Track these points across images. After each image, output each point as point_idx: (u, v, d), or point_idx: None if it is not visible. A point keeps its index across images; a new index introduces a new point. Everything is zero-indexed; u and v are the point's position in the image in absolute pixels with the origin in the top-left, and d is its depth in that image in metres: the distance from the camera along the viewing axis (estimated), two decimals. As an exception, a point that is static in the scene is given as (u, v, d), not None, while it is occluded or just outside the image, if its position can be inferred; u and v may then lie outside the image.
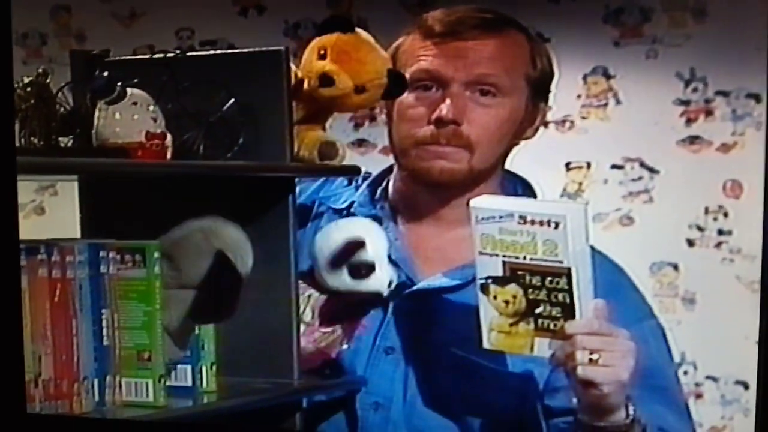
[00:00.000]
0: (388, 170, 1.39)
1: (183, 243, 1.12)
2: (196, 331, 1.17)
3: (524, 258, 1.14)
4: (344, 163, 1.26)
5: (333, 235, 1.27)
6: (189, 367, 1.16)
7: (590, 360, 1.12)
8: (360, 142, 3.02)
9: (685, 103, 2.89)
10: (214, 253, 1.11)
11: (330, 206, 1.37)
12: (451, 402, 1.26)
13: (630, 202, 2.92)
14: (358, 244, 1.25)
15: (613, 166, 2.94)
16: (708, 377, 2.85)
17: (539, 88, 1.33)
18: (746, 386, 2.80)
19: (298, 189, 1.35)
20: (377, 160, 3.05)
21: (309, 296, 1.26)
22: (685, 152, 2.89)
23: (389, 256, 1.28)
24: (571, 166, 2.96)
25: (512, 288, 1.16)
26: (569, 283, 1.13)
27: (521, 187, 1.38)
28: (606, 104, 2.94)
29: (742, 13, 2.75)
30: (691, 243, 2.89)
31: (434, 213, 1.34)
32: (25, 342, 1.02)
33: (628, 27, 2.90)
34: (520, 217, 1.14)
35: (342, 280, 1.25)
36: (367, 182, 1.38)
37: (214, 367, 1.18)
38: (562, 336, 1.13)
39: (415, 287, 1.31)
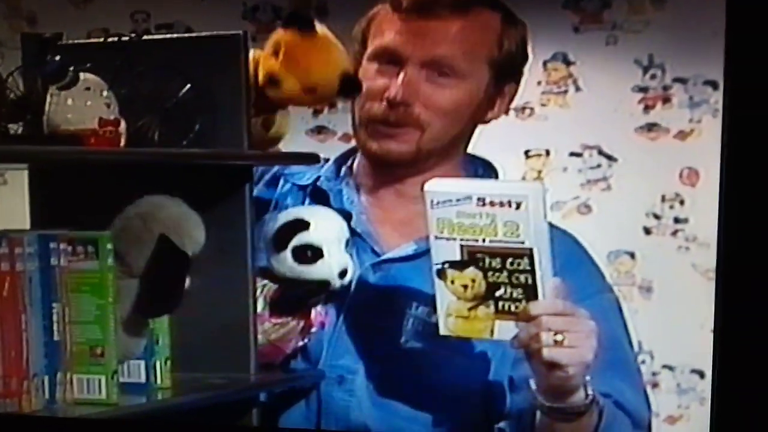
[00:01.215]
0: (355, 148, 1.38)
1: (124, 233, 1.10)
2: (150, 325, 1.14)
3: (483, 241, 1.13)
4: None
5: (278, 216, 1.26)
6: (142, 363, 1.14)
7: (555, 341, 1.11)
8: (319, 129, 3.00)
9: (644, 90, 2.91)
10: (155, 238, 1.09)
11: (294, 183, 1.36)
12: (417, 374, 1.26)
13: (588, 191, 2.94)
14: (300, 224, 1.23)
15: (572, 154, 2.95)
16: (664, 366, 2.90)
17: (504, 71, 1.31)
18: (702, 375, 2.85)
19: (260, 168, 1.32)
20: (337, 147, 3.00)
21: (264, 286, 1.24)
22: (643, 140, 2.92)
23: (354, 231, 1.27)
24: (530, 153, 2.97)
25: (471, 272, 1.14)
26: (531, 263, 1.12)
27: (483, 168, 1.37)
28: (566, 91, 2.95)
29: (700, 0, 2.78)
30: (647, 231, 2.92)
31: (394, 189, 1.34)
32: (-28, 338, 0.99)
33: (588, 13, 2.91)
34: (479, 199, 1.13)
35: (287, 265, 1.22)
36: (332, 158, 1.38)
37: (168, 363, 1.16)
38: (525, 317, 1.13)
39: (380, 257, 1.30)
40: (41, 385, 1.05)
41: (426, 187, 1.16)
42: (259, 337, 1.22)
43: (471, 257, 1.14)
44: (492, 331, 1.15)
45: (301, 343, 1.25)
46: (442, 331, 1.17)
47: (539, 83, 2.93)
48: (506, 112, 1.35)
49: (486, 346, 1.24)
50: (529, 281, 1.12)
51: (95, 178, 1.20)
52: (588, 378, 1.15)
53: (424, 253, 1.26)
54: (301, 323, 1.24)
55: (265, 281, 1.23)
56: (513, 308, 1.14)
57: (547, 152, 2.97)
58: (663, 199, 2.90)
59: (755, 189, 0.86)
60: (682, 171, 2.88)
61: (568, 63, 2.94)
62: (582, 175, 2.94)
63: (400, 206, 1.33)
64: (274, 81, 1.20)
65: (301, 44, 1.20)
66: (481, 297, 1.15)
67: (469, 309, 1.15)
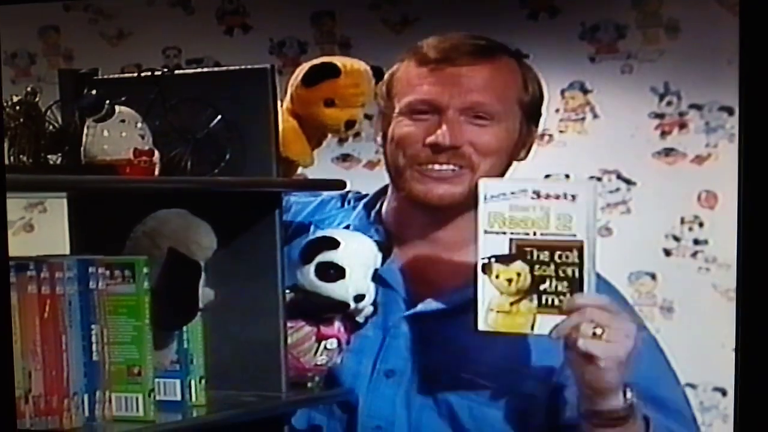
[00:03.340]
0: (382, 191, 1.40)
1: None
2: (174, 337, 1.16)
3: (534, 234, 1.15)
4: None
5: (318, 232, 1.29)
6: (178, 381, 1.16)
7: (594, 334, 1.13)
8: (344, 157, 3.04)
9: (660, 116, 2.93)
10: (163, 254, 1.11)
11: (325, 229, 1.36)
12: (453, 422, 1.27)
13: (608, 214, 2.96)
14: (330, 241, 1.25)
15: (591, 178, 2.97)
16: (687, 384, 2.88)
17: (531, 112, 1.35)
18: (724, 393, 2.84)
19: (293, 211, 1.35)
20: (362, 174, 3.07)
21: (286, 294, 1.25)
22: (660, 164, 2.93)
23: (385, 282, 1.28)
24: (550, 178, 3.00)
25: (517, 266, 1.16)
26: (580, 256, 1.14)
27: None
28: (583, 118, 2.98)
29: (713, 29, 2.81)
30: (667, 253, 2.93)
31: (430, 235, 1.35)
32: (15, 358, 1.02)
33: (604, 43, 2.95)
34: (534, 191, 1.15)
35: (309, 278, 1.24)
36: (361, 204, 1.40)
37: (203, 381, 1.18)
38: (569, 309, 1.14)
39: (412, 311, 1.32)
40: (81, 403, 1.08)
41: (481, 182, 1.19)
42: None
43: (519, 251, 1.16)
44: (533, 326, 1.16)
45: (320, 361, 1.26)
46: (482, 327, 1.18)
47: (557, 111, 2.96)
48: (528, 153, 1.38)
49: (529, 382, 1.24)
50: (576, 274, 1.14)
51: (130, 205, 1.23)
52: (627, 384, 1.16)
53: (454, 308, 1.28)
54: (313, 335, 1.25)
55: (286, 292, 1.25)
56: (556, 302, 1.15)
57: (567, 177, 2.99)
58: (682, 221, 2.91)
59: (773, 210, 0.87)
60: (700, 194, 2.89)
61: (585, 91, 2.98)
62: (601, 199, 2.96)
63: (430, 255, 1.34)
64: (352, 124, 1.27)
65: (347, 85, 1.26)
66: (525, 291, 1.16)
67: (512, 303, 1.16)
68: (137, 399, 1.10)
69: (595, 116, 2.98)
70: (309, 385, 1.26)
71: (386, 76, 1.34)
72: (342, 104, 1.25)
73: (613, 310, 1.15)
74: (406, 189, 1.33)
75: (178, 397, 1.16)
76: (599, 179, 2.97)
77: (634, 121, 2.93)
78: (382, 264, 1.28)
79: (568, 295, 1.15)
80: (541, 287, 1.15)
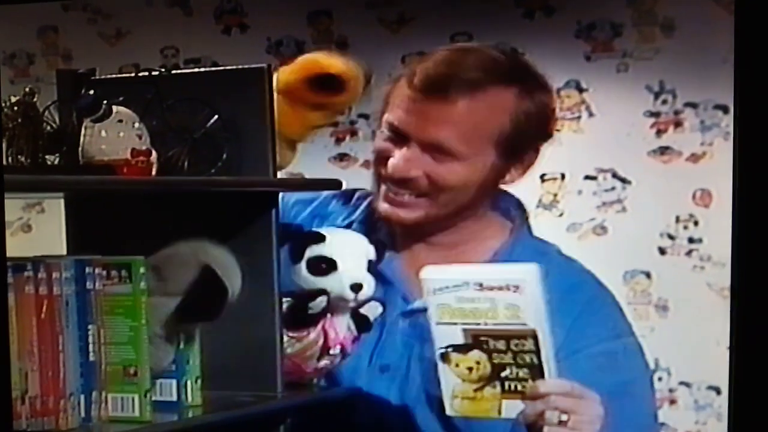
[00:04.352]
0: None
1: (171, 257, 1.14)
2: (181, 342, 1.17)
3: (485, 324, 1.14)
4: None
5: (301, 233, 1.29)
6: (174, 382, 1.17)
7: (560, 421, 1.12)
8: (341, 157, 3.04)
9: (655, 114, 2.94)
10: (200, 267, 1.13)
11: (331, 225, 1.37)
12: (448, 416, 1.26)
13: (603, 212, 2.96)
14: (315, 235, 1.25)
15: (587, 177, 2.99)
16: (681, 383, 2.90)
17: (515, 146, 1.30)
18: (719, 391, 2.85)
19: (295, 209, 1.35)
20: (359, 173, 3.07)
21: (287, 302, 1.25)
22: (655, 162, 2.94)
23: (387, 279, 1.28)
24: (545, 177, 3.01)
25: (475, 354, 1.15)
26: (536, 343, 1.12)
27: (513, 208, 1.38)
28: (579, 117, 2.99)
29: (708, 27, 2.82)
30: (662, 251, 2.94)
31: (423, 239, 1.35)
32: (12, 359, 1.02)
33: (600, 42, 2.95)
34: (477, 284, 1.13)
35: (302, 276, 1.24)
36: (366, 201, 1.39)
37: (198, 381, 1.19)
38: (533, 395, 1.13)
39: (410, 306, 1.32)
40: (77, 403, 1.08)
41: (422, 275, 1.17)
42: None
43: (474, 340, 1.14)
44: (499, 410, 1.15)
45: (322, 364, 1.26)
46: (449, 412, 1.17)
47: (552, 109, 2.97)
48: (520, 176, 1.34)
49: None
50: (535, 361, 1.13)
51: (128, 205, 1.24)
52: None
53: None
54: (320, 341, 1.25)
55: (288, 298, 1.25)
56: (520, 387, 1.14)
57: (563, 176, 3.00)
58: (677, 219, 2.92)
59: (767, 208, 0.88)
60: (695, 192, 2.90)
61: (580, 90, 2.98)
62: (597, 198, 2.97)
63: (430, 254, 1.34)
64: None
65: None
66: (487, 378, 1.15)
67: (475, 390, 1.15)
68: (133, 399, 1.10)
69: (591, 115, 2.98)
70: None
71: (390, 81, 1.33)
72: (330, 113, 1.26)
73: (576, 395, 1.14)
74: (375, 206, 1.34)
75: (175, 398, 1.16)
76: (594, 178, 2.97)
77: (629, 120, 2.94)
78: (379, 257, 1.28)
79: (529, 380, 1.14)
80: (502, 374, 1.15)
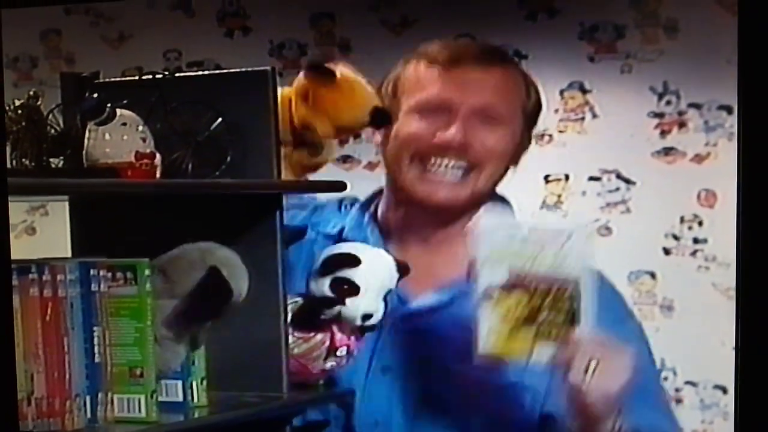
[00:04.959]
0: (377, 194, 1.42)
1: (177, 259, 1.14)
2: (186, 343, 1.17)
3: (531, 267, 1.17)
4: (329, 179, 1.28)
5: (340, 246, 1.30)
6: (180, 383, 1.17)
7: (587, 367, 1.14)
8: (345, 159, 3.05)
9: (659, 115, 2.94)
10: (207, 268, 1.13)
11: (321, 231, 1.39)
12: (450, 416, 1.28)
13: (608, 213, 2.96)
14: (352, 260, 1.26)
15: (591, 178, 2.99)
16: (687, 382, 2.90)
17: (531, 119, 1.38)
18: (725, 390, 2.85)
19: (290, 214, 1.36)
20: (362, 175, 3.08)
21: (292, 303, 1.26)
22: (660, 163, 2.94)
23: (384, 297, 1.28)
24: (549, 178, 3.01)
25: (516, 295, 1.18)
26: (576, 292, 1.16)
27: (500, 207, 1.39)
28: (583, 118, 2.99)
29: (712, 28, 2.82)
30: (667, 252, 2.94)
31: (424, 234, 1.36)
32: (18, 361, 1.02)
33: (603, 43, 2.95)
34: (530, 229, 1.17)
35: (323, 290, 1.25)
36: (355, 207, 1.41)
37: (204, 382, 1.19)
38: (565, 341, 1.16)
39: (407, 307, 1.33)
40: (83, 404, 1.08)
41: (479, 213, 1.21)
42: None
43: (517, 281, 1.18)
44: (531, 353, 1.18)
45: (328, 365, 1.27)
46: (482, 351, 1.20)
47: (556, 111, 2.97)
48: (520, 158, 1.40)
49: (526, 375, 1.26)
50: (572, 308, 1.16)
51: (132, 208, 1.24)
52: (619, 411, 1.17)
53: (449, 302, 1.30)
54: (326, 342, 1.26)
55: (297, 299, 1.27)
56: (554, 332, 1.17)
57: (567, 177, 3.00)
58: (682, 220, 2.92)
59: (772, 209, 0.88)
60: (699, 193, 2.90)
61: (584, 91, 2.98)
62: (601, 199, 2.97)
63: (423, 252, 1.35)
64: (308, 127, 1.25)
65: (327, 92, 1.25)
66: (523, 319, 1.18)
67: (511, 330, 1.18)
68: (139, 400, 1.10)
69: (595, 116, 2.98)
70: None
71: (391, 76, 1.35)
72: (313, 104, 1.25)
73: (608, 345, 1.16)
74: (409, 189, 1.34)
75: (180, 398, 1.17)
76: (598, 179, 2.97)
77: (633, 121, 2.94)
78: (398, 281, 1.29)
79: (565, 326, 1.16)
80: (539, 318, 1.17)
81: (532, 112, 1.38)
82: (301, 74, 1.27)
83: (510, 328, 1.18)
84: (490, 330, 1.19)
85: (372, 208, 1.41)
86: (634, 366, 1.19)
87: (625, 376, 1.16)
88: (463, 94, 1.31)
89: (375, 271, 1.26)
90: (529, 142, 1.40)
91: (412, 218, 1.37)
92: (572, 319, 1.16)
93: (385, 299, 1.27)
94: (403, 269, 1.29)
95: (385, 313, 1.27)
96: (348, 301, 1.24)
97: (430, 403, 1.29)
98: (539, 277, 1.17)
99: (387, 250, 1.34)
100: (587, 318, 1.16)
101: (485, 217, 1.22)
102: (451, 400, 1.29)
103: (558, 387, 1.20)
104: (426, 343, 1.31)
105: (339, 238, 1.38)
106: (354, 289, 1.24)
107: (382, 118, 1.28)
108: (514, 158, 1.38)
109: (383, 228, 1.38)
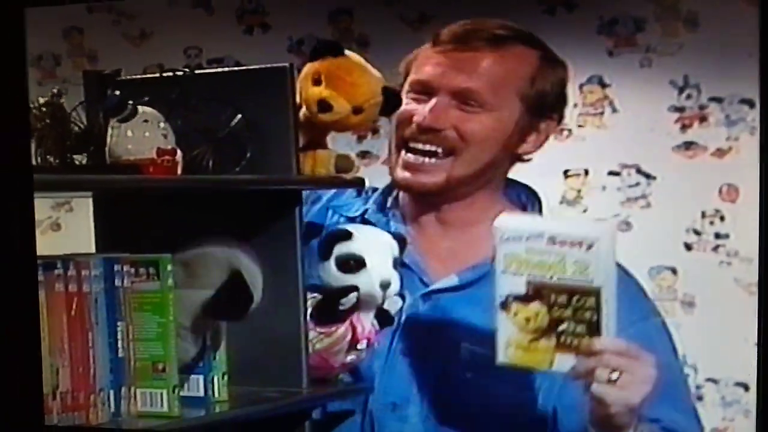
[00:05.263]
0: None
1: (202, 256, 1.15)
2: (207, 336, 1.18)
3: (551, 278, 1.15)
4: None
5: (332, 219, 1.31)
6: (201, 378, 1.18)
7: (609, 379, 1.13)
8: (363, 154, 3.06)
9: (680, 109, 2.92)
10: (230, 270, 1.14)
11: (343, 214, 1.39)
12: (467, 402, 1.28)
13: (628, 208, 2.95)
14: (341, 233, 1.26)
15: (611, 173, 2.97)
16: (708, 379, 2.88)
17: (538, 107, 1.33)
18: (746, 388, 2.83)
19: (311, 199, 1.37)
20: (381, 171, 3.06)
21: (311, 298, 1.27)
22: (680, 158, 2.93)
23: (403, 262, 1.28)
24: (569, 173, 3.00)
25: (535, 306, 1.16)
26: (597, 301, 1.13)
27: (525, 195, 1.39)
28: (602, 112, 2.98)
29: (733, 21, 2.79)
30: (688, 247, 2.92)
31: (435, 218, 1.36)
32: (43, 355, 1.04)
33: (622, 37, 2.94)
34: (550, 238, 1.14)
35: (332, 274, 1.25)
36: (378, 192, 1.41)
37: (225, 377, 1.20)
38: (587, 351, 1.14)
39: (428, 288, 1.33)
40: (107, 398, 1.10)
41: (496, 222, 1.18)
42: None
43: (536, 292, 1.15)
44: (551, 363, 1.16)
45: (349, 359, 1.27)
46: (501, 360, 1.18)
47: (576, 105, 2.96)
48: (537, 147, 1.35)
49: (534, 376, 1.25)
50: (594, 318, 1.13)
51: (154, 204, 1.25)
52: (640, 418, 1.15)
53: (469, 284, 1.29)
54: (348, 335, 1.26)
55: (315, 294, 1.27)
56: (575, 342, 1.15)
57: (586, 172, 2.99)
58: (703, 215, 2.90)
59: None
60: (721, 188, 2.88)
61: (603, 85, 2.97)
62: (621, 194, 2.96)
63: (443, 235, 1.35)
64: (325, 106, 1.22)
65: (340, 66, 1.23)
66: (543, 330, 1.16)
67: (530, 341, 1.16)
68: (162, 395, 1.11)
69: (614, 110, 2.97)
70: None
71: (406, 60, 1.34)
72: (327, 84, 1.22)
73: (631, 355, 1.14)
74: (393, 176, 1.34)
75: (202, 393, 1.18)
76: (618, 174, 2.96)
77: (653, 115, 2.92)
78: (401, 253, 1.29)
79: (586, 337, 1.14)
80: (560, 328, 1.15)
81: (536, 100, 1.31)
82: (309, 64, 1.24)
83: (529, 339, 1.17)
84: (509, 340, 1.17)
85: (395, 192, 1.40)
86: (658, 363, 1.18)
87: (647, 387, 1.14)
88: (444, 76, 1.28)
89: (370, 239, 1.26)
90: (539, 132, 1.33)
91: (418, 203, 1.36)
92: (594, 329, 1.14)
93: (396, 269, 1.26)
94: (400, 240, 1.28)
95: (401, 290, 1.26)
96: (360, 275, 1.24)
97: (448, 387, 1.29)
98: (560, 286, 1.14)
99: (408, 233, 1.34)
100: (609, 327, 1.14)
101: (505, 222, 1.18)
102: (470, 384, 1.29)
103: (578, 397, 1.18)
104: (447, 326, 1.31)
105: (361, 221, 1.37)
106: (360, 263, 1.24)
107: (394, 100, 1.26)
108: (509, 146, 1.33)
109: (403, 212, 1.38)
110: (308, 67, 1.25)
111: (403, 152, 1.32)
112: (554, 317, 1.15)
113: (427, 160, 1.30)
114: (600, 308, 1.13)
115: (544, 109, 1.33)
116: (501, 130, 1.31)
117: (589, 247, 1.13)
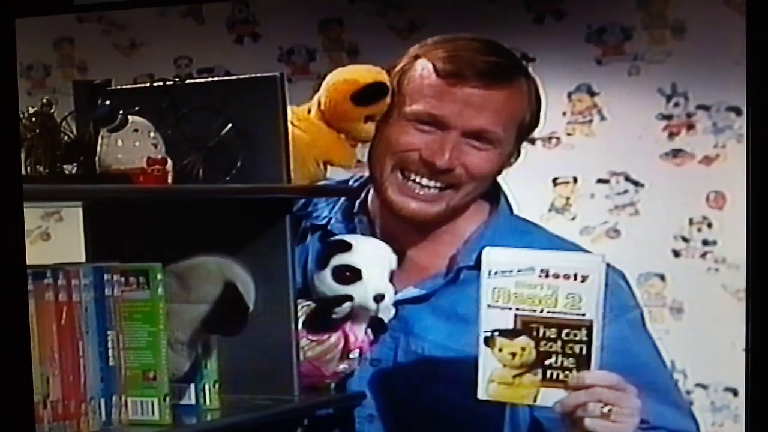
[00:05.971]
0: (366, 182, 1.39)
1: (195, 267, 1.16)
2: (198, 348, 1.19)
3: (541, 311, 1.13)
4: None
5: (328, 239, 1.31)
6: (192, 386, 1.18)
7: (602, 413, 1.12)
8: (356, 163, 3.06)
9: (668, 117, 2.94)
10: (224, 282, 1.14)
11: (311, 222, 1.39)
12: (437, 409, 1.28)
13: (616, 215, 2.96)
14: (342, 244, 1.26)
15: (599, 181, 2.98)
16: (698, 385, 2.89)
17: (526, 133, 1.35)
18: (735, 393, 2.84)
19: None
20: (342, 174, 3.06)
21: (305, 306, 1.27)
22: (668, 165, 2.94)
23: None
24: (558, 181, 3.01)
25: (522, 340, 1.14)
26: (589, 334, 1.12)
27: (490, 188, 1.38)
28: (591, 120, 2.99)
29: (720, 29, 2.81)
30: (676, 254, 2.93)
31: (409, 231, 1.35)
32: (34, 364, 1.04)
33: (610, 45, 2.95)
34: (542, 270, 1.13)
35: (327, 283, 1.26)
36: (339, 201, 1.40)
37: (216, 385, 1.20)
38: (575, 386, 1.13)
39: (395, 297, 1.31)
40: (98, 407, 1.10)
41: (484, 257, 1.16)
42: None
43: (524, 326, 1.14)
44: (535, 398, 1.15)
45: (340, 368, 1.28)
46: (481, 396, 1.16)
47: (564, 114, 2.97)
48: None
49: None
50: (584, 351, 1.12)
51: (145, 213, 1.25)
52: None
53: (428, 296, 1.30)
54: (340, 344, 1.26)
55: (308, 302, 1.27)
56: (561, 376, 1.13)
57: (575, 179, 3.00)
58: (691, 222, 2.92)
59: (782, 210, 0.87)
60: (708, 195, 2.89)
61: (592, 93, 2.98)
62: (610, 201, 2.97)
63: (413, 244, 1.34)
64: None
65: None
66: (529, 365, 1.14)
67: (514, 376, 1.15)
68: (153, 403, 1.12)
69: (603, 118, 2.98)
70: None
71: (396, 70, 1.32)
72: (377, 119, 1.28)
73: (620, 388, 1.14)
74: (384, 196, 1.33)
75: (193, 401, 1.18)
76: (607, 181, 2.97)
77: (641, 123, 2.94)
78: (399, 265, 1.29)
79: (574, 370, 1.13)
80: (547, 362, 1.14)
81: (528, 128, 1.33)
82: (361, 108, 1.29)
83: (513, 374, 1.15)
84: (491, 376, 1.15)
85: (363, 195, 1.39)
86: (635, 363, 1.18)
87: (636, 419, 1.13)
88: (460, 115, 1.27)
89: (369, 252, 1.27)
90: (518, 156, 1.35)
91: (393, 219, 1.35)
92: (583, 362, 1.12)
93: (391, 281, 1.27)
94: (399, 252, 1.29)
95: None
96: (355, 286, 1.24)
97: (418, 395, 1.29)
98: (550, 320, 1.13)
99: (373, 234, 1.34)
100: (598, 360, 1.13)
101: (493, 257, 1.15)
102: (438, 393, 1.28)
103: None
104: (410, 335, 1.30)
105: (326, 230, 1.37)
106: (356, 274, 1.25)
107: (378, 91, 1.27)
108: (500, 172, 1.35)
109: (372, 218, 1.37)
110: (361, 110, 1.30)
111: (399, 175, 1.31)
112: (542, 351, 1.14)
113: (428, 190, 1.30)
114: (590, 341, 1.12)
115: (530, 132, 1.36)
116: (503, 164, 1.33)
117: (584, 279, 1.12)
